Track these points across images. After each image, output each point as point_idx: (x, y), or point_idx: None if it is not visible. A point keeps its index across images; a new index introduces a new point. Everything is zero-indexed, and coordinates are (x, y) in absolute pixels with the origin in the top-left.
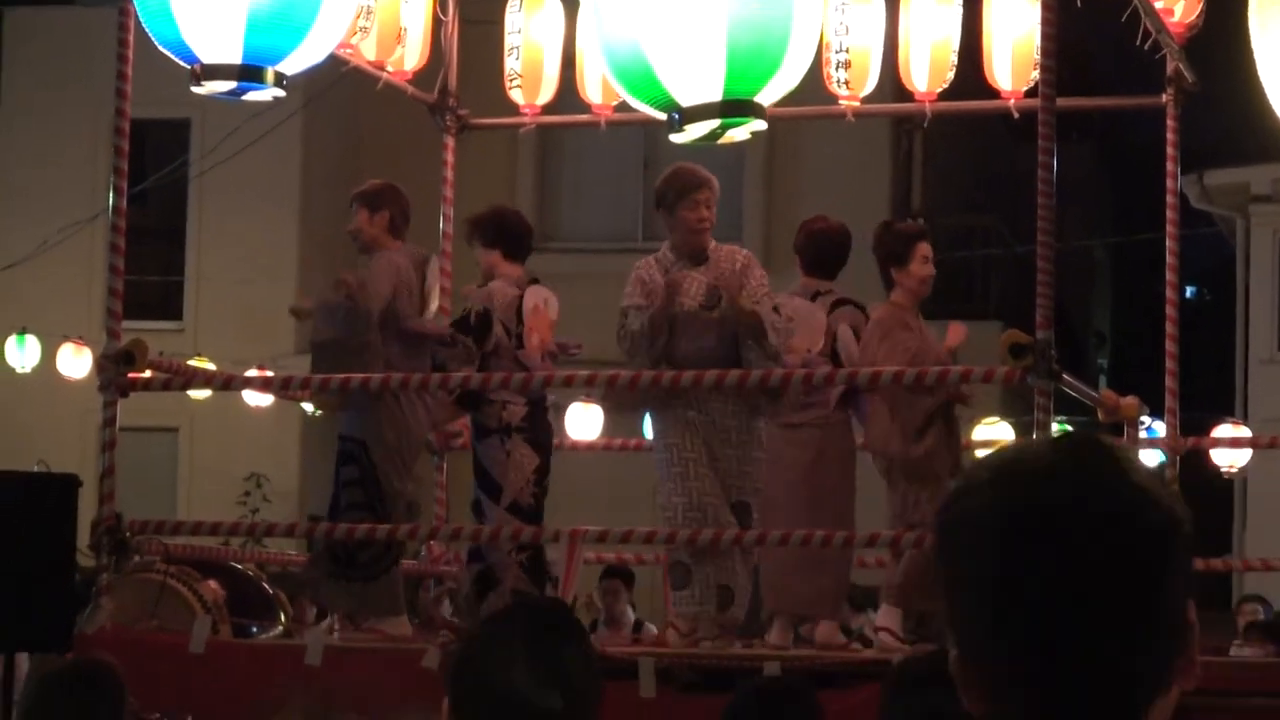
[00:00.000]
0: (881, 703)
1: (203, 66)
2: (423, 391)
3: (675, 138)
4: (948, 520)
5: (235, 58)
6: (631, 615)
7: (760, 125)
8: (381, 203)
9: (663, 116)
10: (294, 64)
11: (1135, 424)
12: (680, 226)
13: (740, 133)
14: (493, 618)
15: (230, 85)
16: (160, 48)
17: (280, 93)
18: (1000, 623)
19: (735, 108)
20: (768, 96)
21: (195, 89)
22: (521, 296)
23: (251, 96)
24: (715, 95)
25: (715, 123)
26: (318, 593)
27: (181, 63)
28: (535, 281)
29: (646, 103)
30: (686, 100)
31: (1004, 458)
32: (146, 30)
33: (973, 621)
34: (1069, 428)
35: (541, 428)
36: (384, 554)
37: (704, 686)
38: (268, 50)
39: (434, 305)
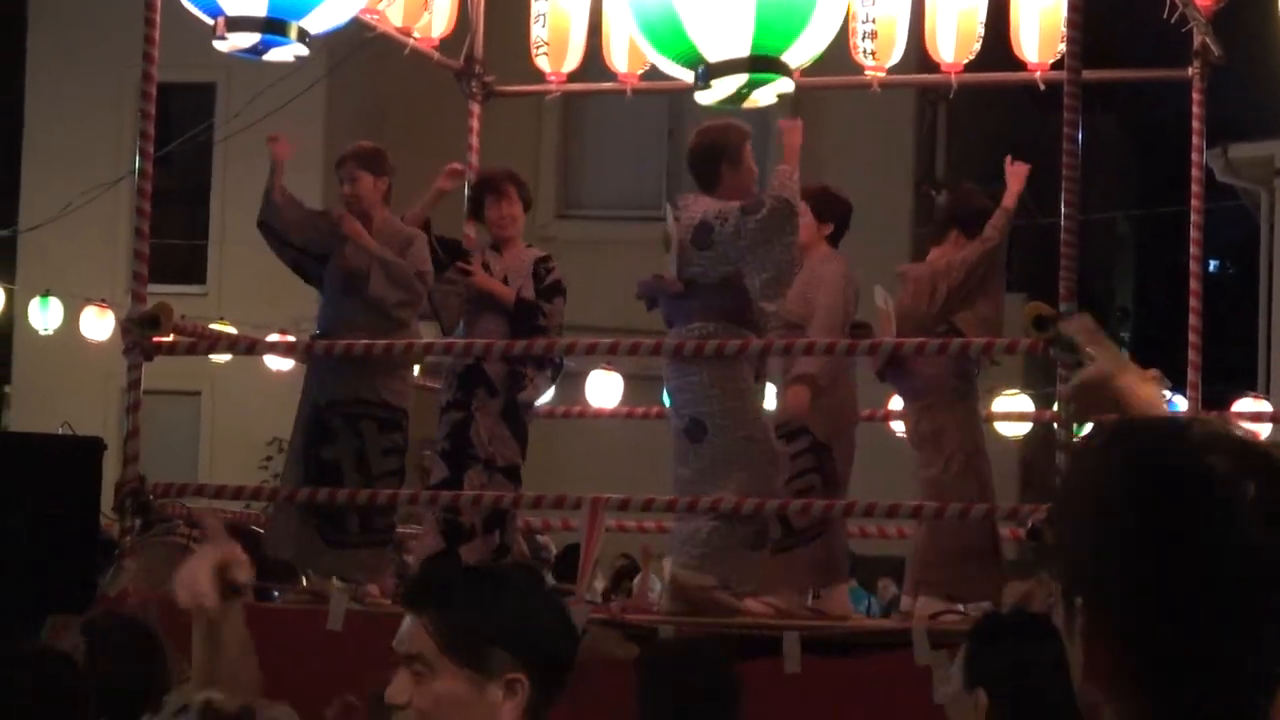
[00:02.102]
0: (965, 655)
1: (226, 19)
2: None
3: (700, 96)
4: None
5: (260, 11)
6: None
7: (786, 86)
8: (384, 168)
9: (689, 75)
10: (318, 21)
11: None
12: (745, 178)
13: (766, 94)
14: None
15: (254, 39)
16: (185, 2)
17: (303, 50)
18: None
19: (763, 64)
20: (795, 56)
21: (218, 43)
22: None
23: (274, 55)
24: (743, 51)
25: (742, 80)
26: (315, 564)
27: (205, 16)
28: None
29: (673, 59)
30: (714, 56)
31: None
32: None
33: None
34: None
35: None
36: (393, 520)
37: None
38: (293, 4)
39: None
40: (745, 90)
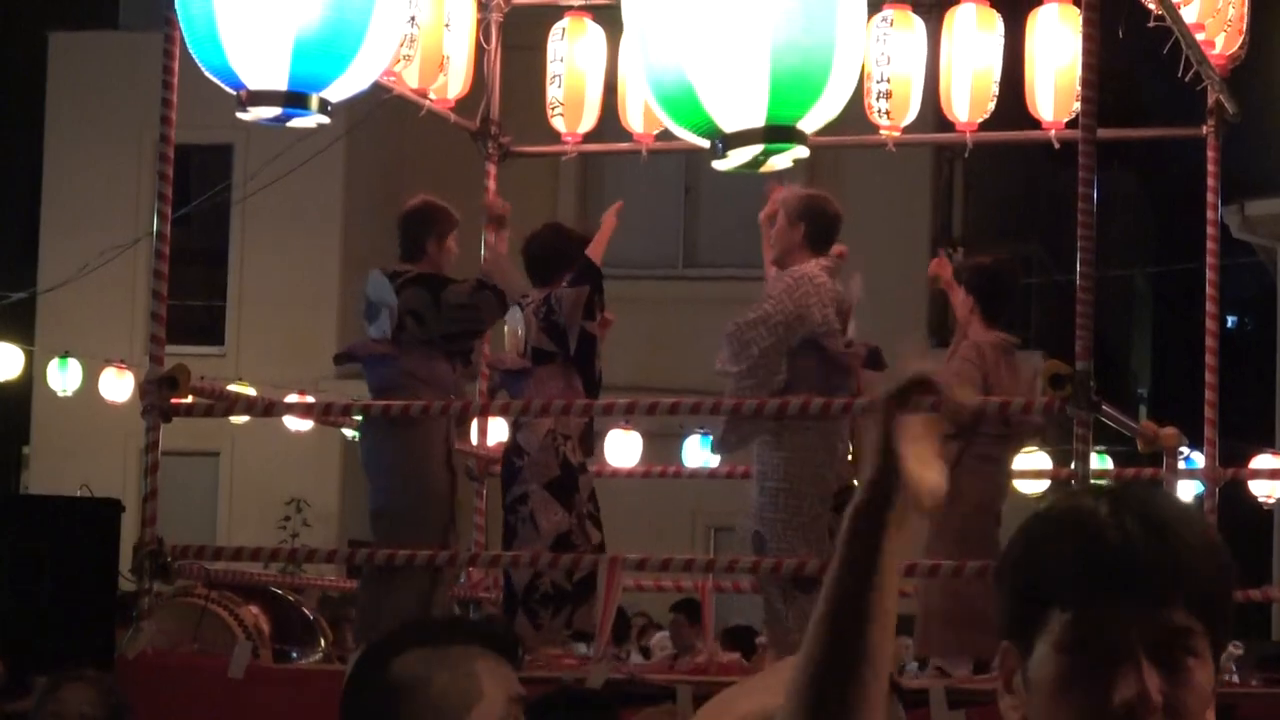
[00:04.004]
0: None
1: (248, 92)
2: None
3: (718, 164)
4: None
5: (281, 84)
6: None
7: (803, 152)
8: None
9: (705, 143)
10: (339, 91)
11: (1174, 455)
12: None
13: (782, 160)
14: None
15: (275, 111)
16: (206, 73)
17: (325, 119)
18: None
19: (778, 133)
20: (810, 123)
21: (240, 115)
22: None
23: (296, 123)
24: (758, 121)
25: (758, 149)
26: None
27: (227, 88)
28: None
29: (689, 129)
30: (729, 126)
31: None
32: (193, 56)
33: None
34: (1108, 458)
35: None
36: None
37: None
38: (313, 77)
39: None
40: (761, 158)
